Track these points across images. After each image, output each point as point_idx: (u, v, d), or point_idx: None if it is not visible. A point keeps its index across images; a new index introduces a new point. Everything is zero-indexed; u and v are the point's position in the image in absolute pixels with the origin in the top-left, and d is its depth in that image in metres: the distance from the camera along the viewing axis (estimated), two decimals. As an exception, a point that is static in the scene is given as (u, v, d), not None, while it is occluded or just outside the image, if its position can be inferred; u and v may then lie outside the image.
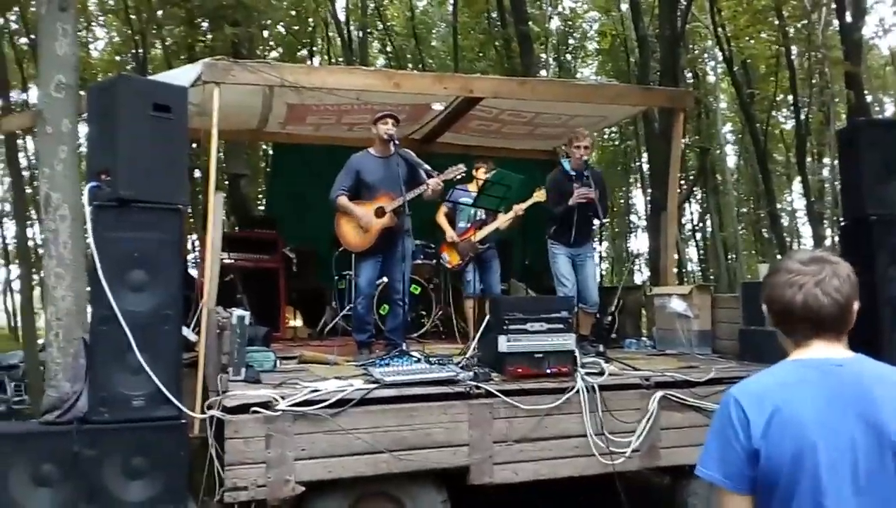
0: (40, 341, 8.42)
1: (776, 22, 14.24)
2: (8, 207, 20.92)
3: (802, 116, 15.44)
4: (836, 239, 16.20)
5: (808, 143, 16.21)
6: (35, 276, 11.28)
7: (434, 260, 7.80)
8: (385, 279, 6.09)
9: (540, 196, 6.38)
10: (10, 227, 21.20)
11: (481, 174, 6.46)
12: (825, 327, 1.75)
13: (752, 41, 15.52)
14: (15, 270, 20.61)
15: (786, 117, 21.63)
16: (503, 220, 6.52)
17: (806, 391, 1.70)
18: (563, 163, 6.42)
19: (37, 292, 10.83)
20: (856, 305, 1.77)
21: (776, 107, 19.49)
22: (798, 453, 1.65)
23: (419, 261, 7.71)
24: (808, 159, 17.07)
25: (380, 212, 5.62)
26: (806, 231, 23.71)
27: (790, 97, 16.87)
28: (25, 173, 14.44)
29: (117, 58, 17.23)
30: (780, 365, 1.81)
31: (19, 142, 14.55)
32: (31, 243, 12.97)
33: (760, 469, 1.68)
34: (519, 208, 6.46)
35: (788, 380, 1.74)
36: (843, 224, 5.67)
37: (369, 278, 5.72)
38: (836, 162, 15.53)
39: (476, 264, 6.53)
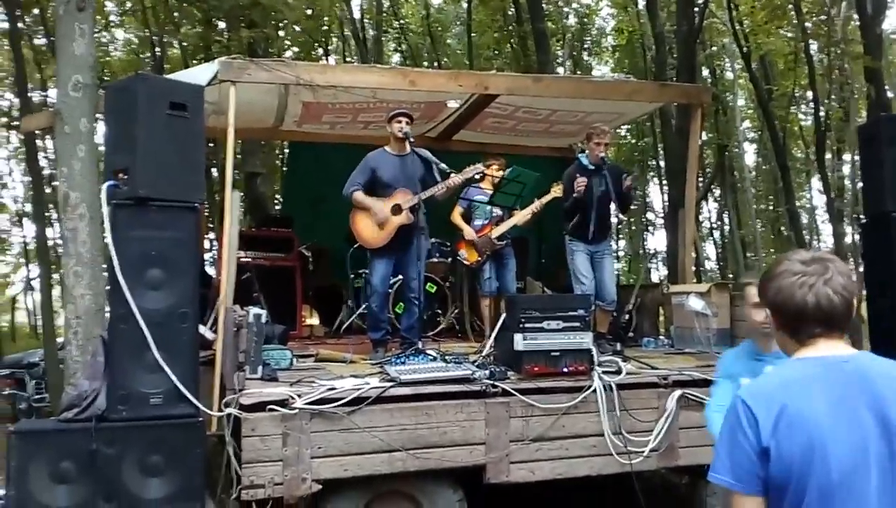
0: (60, 339, 8.49)
1: (795, 17, 14.09)
2: (28, 207, 21.13)
3: (822, 112, 15.24)
4: (856, 236, 16.04)
5: (827, 140, 16.00)
6: (55, 275, 11.37)
7: (449, 259, 7.78)
8: (400, 277, 6.09)
9: (557, 191, 6.36)
10: (30, 227, 21.42)
11: (492, 171, 6.44)
12: (834, 325, 1.77)
13: (771, 37, 15.37)
14: (35, 269, 20.80)
15: (805, 113, 21.41)
16: (521, 216, 6.50)
17: (813, 388, 1.70)
18: (579, 158, 6.37)
19: (56, 291, 10.93)
20: (855, 301, 1.79)
21: (795, 104, 19.29)
22: (808, 450, 1.64)
23: (435, 260, 7.70)
24: (828, 156, 16.85)
25: (396, 210, 5.61)
26: (825, 228, 23.51)
27: (809, 93, 16.66)
28: (45, 173, 14.58)
29: (135, 58, 17.35)
30: (786, 365, 1.81)
31: (38, 142, 14.70)
32: (50, 242, 13.08)
33: (771, 469, 1.67)
34: (537, 204, 6.43)
35: (795, 378, 1.74)
36: (863, 221, 5.59)
37: (384, 276, 5.72)
38: (856, 158, 15.38)
39: (493, 261, 6.51)
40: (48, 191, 13.33)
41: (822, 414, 1.66)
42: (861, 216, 6.39)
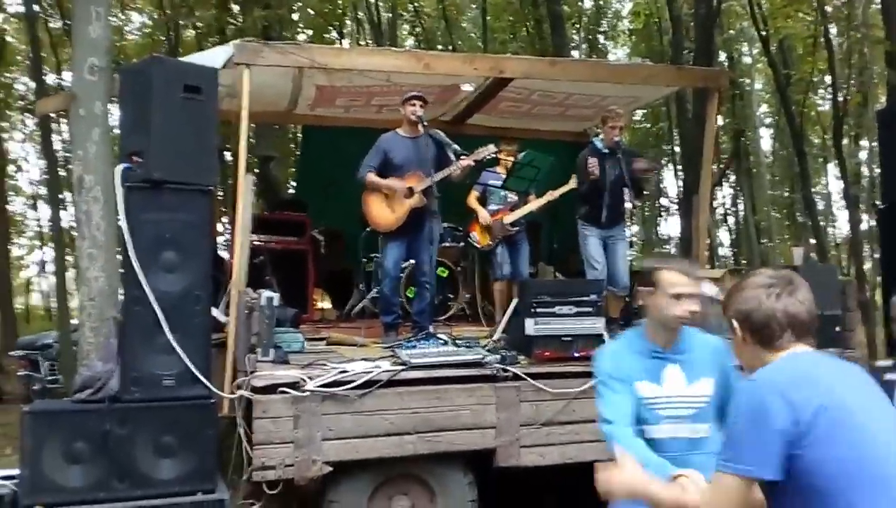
0: (74, 321, 8.57)
1: (815, 0, 13.90)
2: (43, 190, 21.28)
3: (840, 98, 15.06)
4: (873, 222, 15.87)
5: (845, 125, 15.81)
6: (69, 258, 11.45)
7: (461, 243, 7.77)
8: (412, 261, 6.09)
9: (575, 183, 6.30)
10: (45, 210, 21.58)
11: (505, 155, 6.40)
12: (802, 332, 1.83)
13: (790, 20, 15.17)
14: (50, 252, 20.99)
15: (823, 98, 21.16)
16: (536, 205, 6.47)
17: (833, 374, 1.73)
18: (594, 141, 6.31)
19: (70, 273, 11.00)
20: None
21: (813, 89, 19.06)
22: (854, 432, 1.64)
23: (447, 244, 7.68)
24: (845, 142, 16.67)
25: (409, 193, 5.60)
26: (841, 215, 23.28)
27: (828, 78, 16.47)
28: (59, 156, 14.66)
29: (150, 40, 17.37)
30: (786, 358, 1.81)
31: (53, 125, 14.78)
32: (65, 225, 13.16)
33: (812, 453, 1.62)
34: (553, 194, 6.40)
35: (811, 366, 1.76)
36: (880, 207, 5.54)
37: (396, 259, 5.71)
38: (873, 144, 15.19)
39: (506, 246, 6.49)
40: (63, 174, 13.43)
41: (853, 398, 1.68)
42: (878, 202, 6.32)
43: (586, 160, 6.06)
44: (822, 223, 19.77)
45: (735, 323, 1.90)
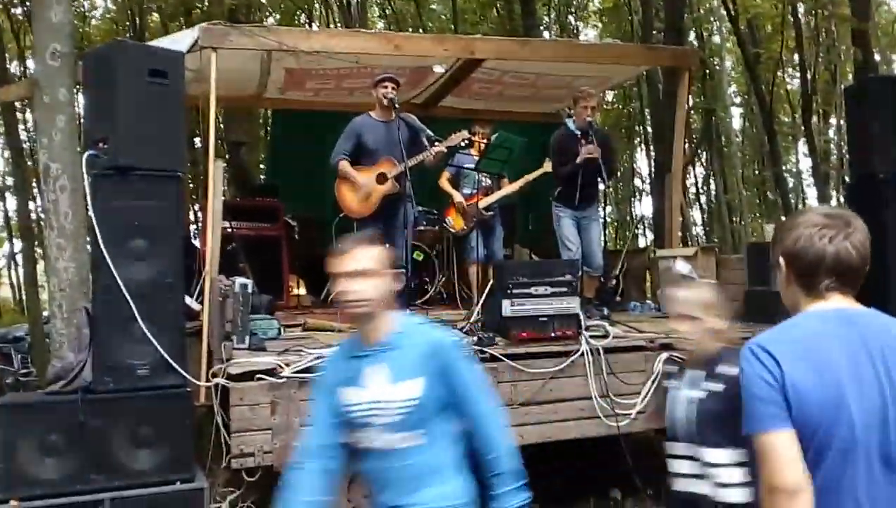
0: (45, 313, 8.45)
1: (782, -21, 14.01)
2: (9, 181, 20.87)
3: (809, 76, 15.23)
4: (842, 198, 16.11)
5: (814, 103, 16.00)
6: (38, 249, 11.27)
7: (436, 226, 7.75)
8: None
9: (549, 167, 6.31)
10: (12, 201, 21.18)
11: (479, 138, 6.39)
12: (848, 280, 1.74)
13: (758, -1, 15.30)
14: (18, 244, 20.63)
15: (791, 77, 21.36)
16: (511, 188, 6.48)
17: (833, 341, 1.68)
18: (567, 123, 6.32)
19: (41, 265, 10.83)
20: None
21: (782, 67, 19.24)
22: (838, 399, 1.62)
23: (422, 228, 7.67)
24: (814, 119, 16.87)
25: (381, 179, 5.57)
26: (811, 192, 23.60)
27: (796, 56, 16.64)
28: (25, 145, 14.39)
29: (114, 26, 17.06)
30: (802, 317, 1.77)
31: (18, 114, 14.47)
32: (33, 216, 12.94)
33: (798, 413, 1.63)
34: (528, 178, 6.41)
35: (816, 329, 1.71)
36: (849, 182, 5.61)
37: (371, 245, 5.67)
38: (842, 122, 15.39)
39: (480, 229, 6.49)
40: (29, 163, 13.18)
41: (844, 366, 1.65)
42: (846, 179, 6.41)
43: (561, 141, 6.07)
44: (792, 200, 20.00)
45: (782, 262, 1.81)
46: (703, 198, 25.87)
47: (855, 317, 1.73)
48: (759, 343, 1.71)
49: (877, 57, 14.10)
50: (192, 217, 11.86)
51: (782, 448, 1.62)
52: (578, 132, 6.10)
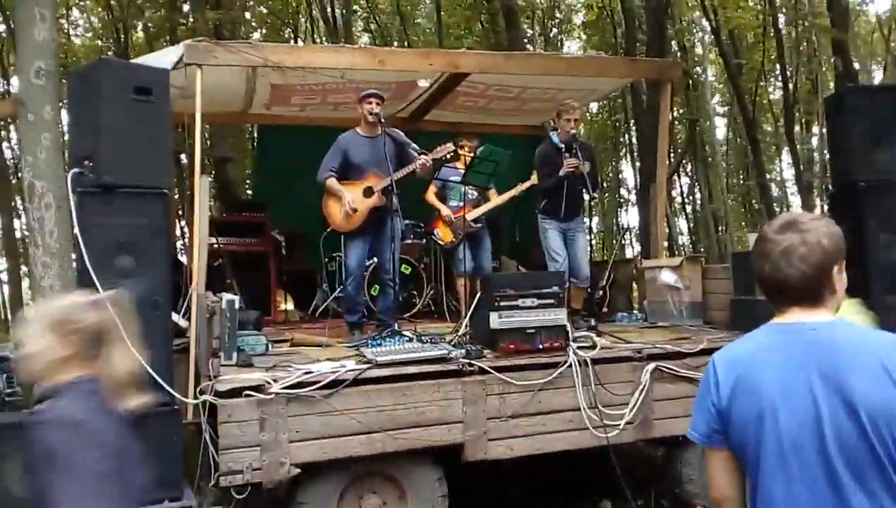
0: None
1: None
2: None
3: (791, 85, 15.40)
4: (825, 207, 16.25)
5: (796, 112, 16.18)
6: (24, 267, 11.20)
7: (424, 240, 7.77)
8: (375, 260, 6.07)
9: (536, 179, 6.35)
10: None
11: (466, 151, 6.42)
12: (793, 296, 1.74)
13: (739, 10, 15.46)
14: (3, 262, 20.48)
15: (774, 87, 21.58)
16: (498, 201, 6.51)
17: (772, 354, 1.73)
18: (551, 136, 6.37)
19: (26, 283, 10.77)
20: (834, 269, 1.72)
21: (764, 77, 19.44)
22: (760, 415, 1.69)
23: (409, 241, 7.69)
24: (797, 128, 17.05)
25: (368, 192, 5.58)
26: (795, 200, 23.79)
27: (778, 66, 16.82)
28: (10, 163, 14.31)
29: (99, 43, 17.04)
30: (757, 331, 1.83)
31: (3, 132, 14.42)
32: (18, 234, 12.86)
33: (731, 431, 1.75)
34: (515, 191, 6.44)
35: (760, 344, 1.77)
36: (831, 190, 5.67)
37: (358, 259, 5.69)
38: (824, 130, 15.54)
39: (468, 242, 6.51)
40: (14, 181, 13.11)
41: (774, 380, 1.69)
42: (830, 187, 6.48)
43: (546, 155, 6.12)
44: (777, 209, 20.18)
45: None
46: (688, 208, 26.04)
47: (802, 331, 1.71)
48: (714, 357, 1.84)
49: (856, 65, 14.28)
50: (178, 233, 11.85)
51: (713, 463, 1.84)
52: (563, 145, 6.15)
